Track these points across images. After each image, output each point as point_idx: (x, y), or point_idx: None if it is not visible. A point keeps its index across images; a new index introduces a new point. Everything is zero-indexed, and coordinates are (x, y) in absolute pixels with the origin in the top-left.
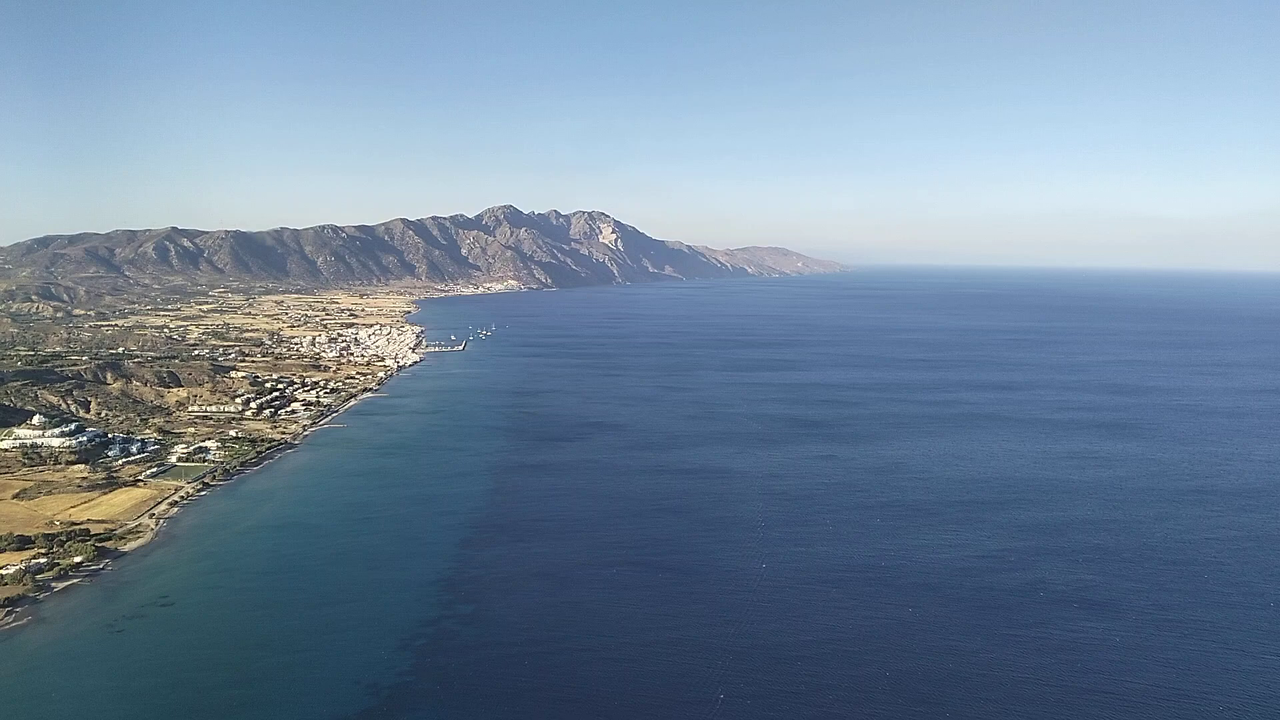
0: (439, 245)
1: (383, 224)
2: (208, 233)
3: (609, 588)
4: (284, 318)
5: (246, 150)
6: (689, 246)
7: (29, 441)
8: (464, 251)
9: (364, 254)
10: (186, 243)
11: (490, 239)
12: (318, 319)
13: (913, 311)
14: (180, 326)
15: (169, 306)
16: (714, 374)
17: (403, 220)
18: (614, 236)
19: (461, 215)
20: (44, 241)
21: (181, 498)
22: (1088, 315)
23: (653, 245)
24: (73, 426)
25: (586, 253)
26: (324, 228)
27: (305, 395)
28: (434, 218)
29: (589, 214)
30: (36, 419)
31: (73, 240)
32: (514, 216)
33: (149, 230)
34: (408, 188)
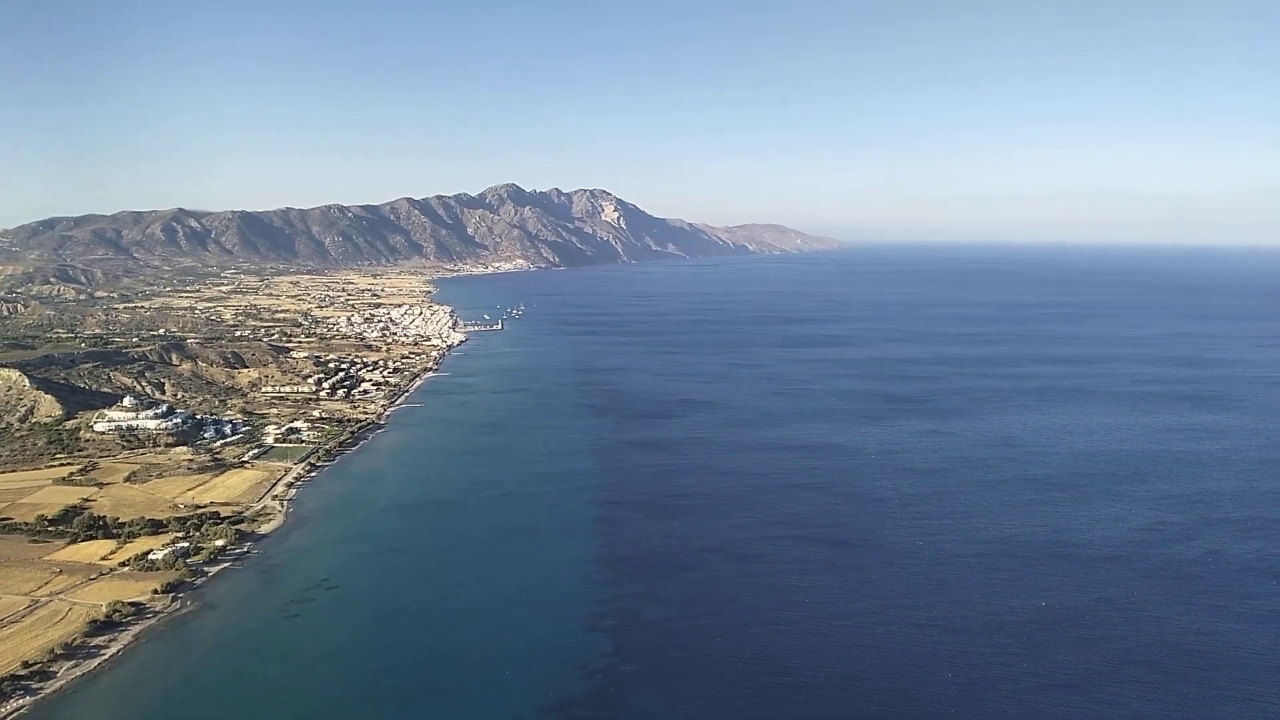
0: (445, 225)
1: (388, 203)
2: (214, 213)
3: (780, 563)
4: (307, 298)
5: (246, 131)
6: (690, 224)
7: (124, 424)
8: (470, 231)
9: (371, 234)
10: (194, 223)
11: (495, 218)
12: (342, 299)
13: (935, 287)
14: (207, 308)
15: (188, 288)
16: (771, 350)
17: (408, 200)
18: (616, 215)
19: (465, 194)
20: (49, 224)
21: (294, 479)
22: (1112, 289)
23: (654, 223)
24: (164, 408)
25: (590, 231)
26: (330, 208)
27: (372, 375)
28: (439, 197)
29: (590, 192)
30: (127, 400)
31: (79, 222)
32: (517, 195)
33: (155, 211)
34: (408, 166)
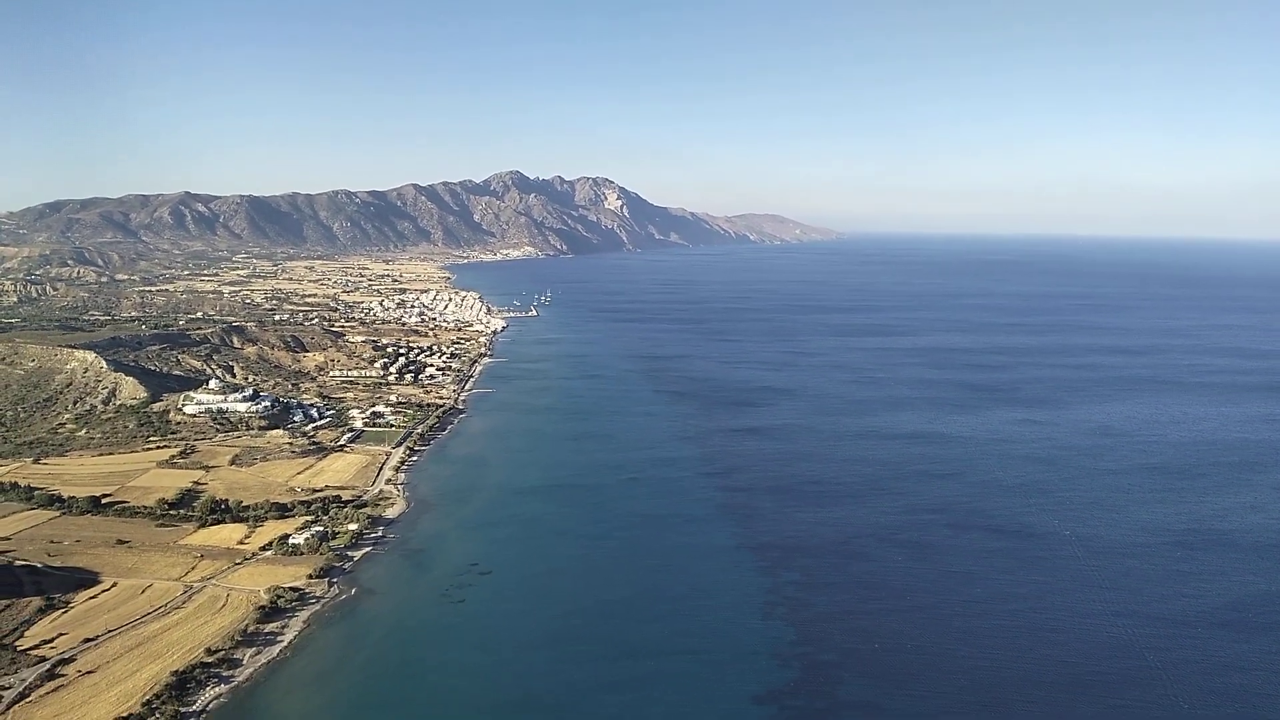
0: (452, 211)
1: (394, 189)
2: (222, 197)
3: (942, 551)
4: (328, 283)
5: (249, 115)
6: (692, 213)
7: (213, 406)
8: (477, 217)
9: (379, 220)
10: (201, 207)
11: (501, 205)
12: (365, 285)
13: (955, 278)
14: (234, 292)
15: (205, 272)
16: (823, 339)
17: (414, 186)
18: (619, 203)
19: (470, 180)
20: (55, 206)
21: (398, 463)
22: (1128, 282)
23: (657, 212)
24: (250, 391)
25: (595, 219)
26: (337, 193)
27: (433, 360)
28: (444, 183)
29: (593, 180)
30: (213, 383)
31: (85, 205)
32: (521, 182)
33: (162, 195)
34: (411, 152)
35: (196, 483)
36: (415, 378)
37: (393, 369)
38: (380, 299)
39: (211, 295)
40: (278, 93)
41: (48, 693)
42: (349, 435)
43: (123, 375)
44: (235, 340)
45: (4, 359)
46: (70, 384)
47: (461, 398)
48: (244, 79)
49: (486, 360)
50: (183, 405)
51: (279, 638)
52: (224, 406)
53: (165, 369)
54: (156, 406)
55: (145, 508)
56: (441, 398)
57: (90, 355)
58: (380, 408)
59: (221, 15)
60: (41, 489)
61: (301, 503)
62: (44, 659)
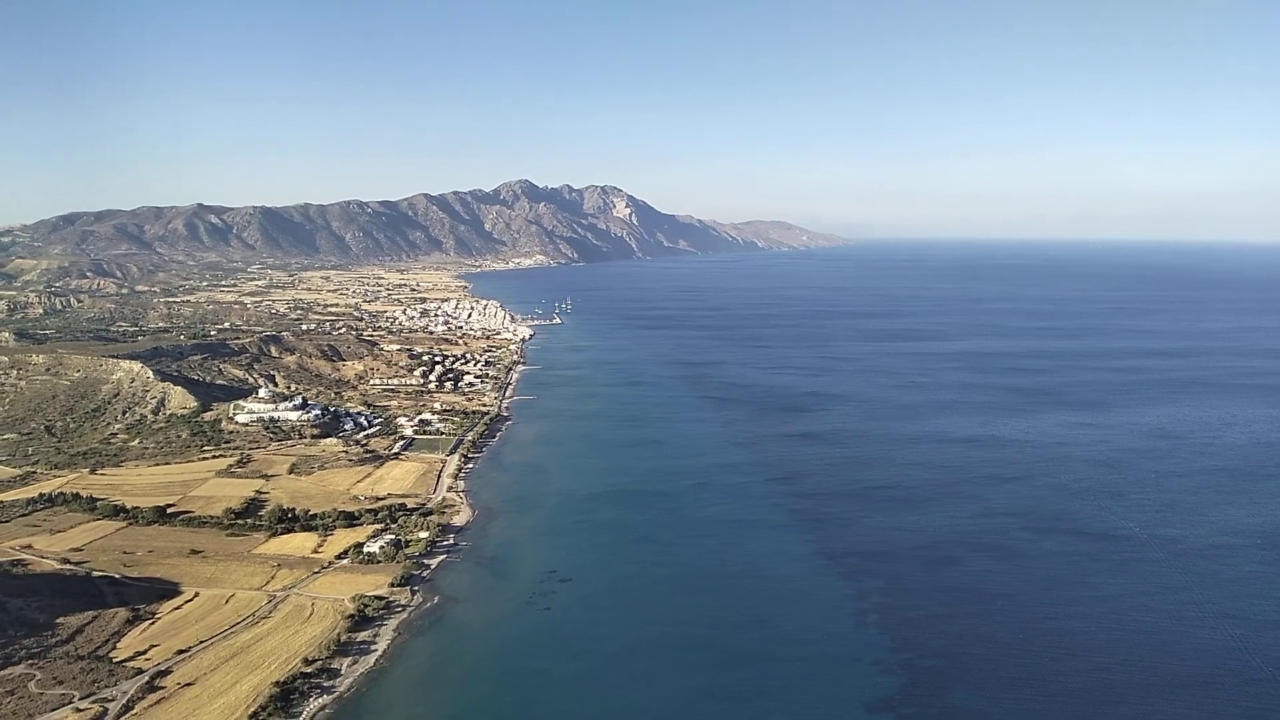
0: (463, 220)
1: (405, 199)
2: (235, 209)
3: (1029, 556)
4: (347, 292)
5: (260, 126)
6: (699, 220)
7: (265, 415)
8: (488, 226)
9: (391, 229)
10: (215, 219)
11: (511, 214)
12: (384, 295)
13: (976, 282)
14: (256, 302)
15: (223, 283)
16: (856, 344)
17: (425, 195)
18: (628, 211)
19: (480, 190)
20: (70, 219)
21: (455, 470)
22: (1147, 285)
23: (665, 219)
24: (299, 400)
25: (604, 227)
26: (349, 203)
27: (469, 368)
28: (455, 192)
29: (602, 188)
30: (263, 392)
31: (99, 217)
32: (531, 191)
33: (175, 207)
34: (420, 162)
35: (259, 492)
36: (455, 385)
37: (432, 377)
38: (403, 308)
39: (235, 306)
40: (288, 103)
41: (150, 705)
42: (401, 443)
43: (170, 385)
44: (274, 350)
45: (49, 369)
46: (118, 394)
47: (504, 405)
48: (254, 89)
49: (522, 368)
50: (234, 414)
51: (373, 647)
52: (275, 415)
53: (208, 378)
54: (208, 416)
55: (213, 517)
56: (484, 405)
57: (136, 365)
58: (427, 415)
59: (230, 27)
60: (103, 499)
61: (368, 511)
62: (140, 671)
